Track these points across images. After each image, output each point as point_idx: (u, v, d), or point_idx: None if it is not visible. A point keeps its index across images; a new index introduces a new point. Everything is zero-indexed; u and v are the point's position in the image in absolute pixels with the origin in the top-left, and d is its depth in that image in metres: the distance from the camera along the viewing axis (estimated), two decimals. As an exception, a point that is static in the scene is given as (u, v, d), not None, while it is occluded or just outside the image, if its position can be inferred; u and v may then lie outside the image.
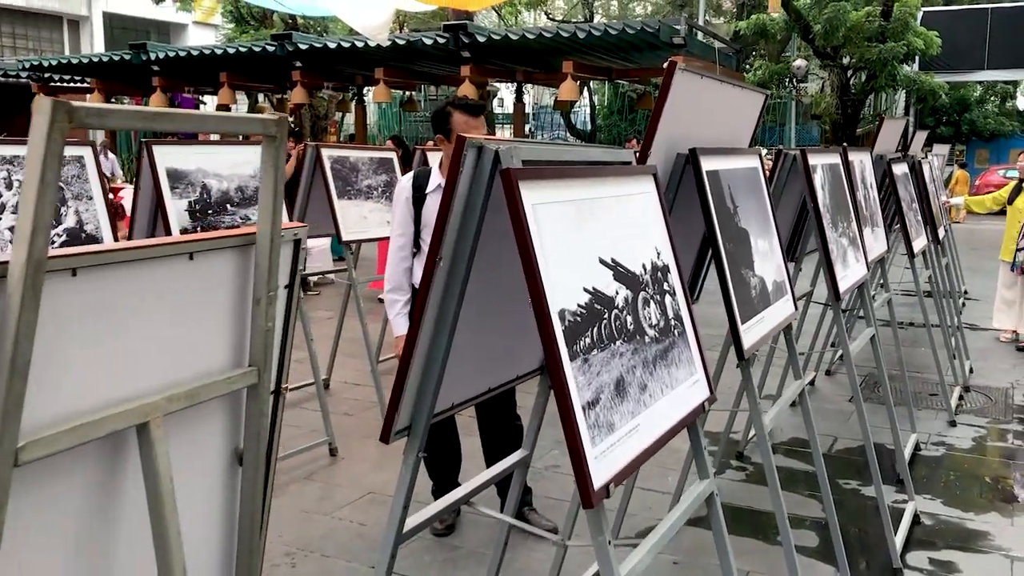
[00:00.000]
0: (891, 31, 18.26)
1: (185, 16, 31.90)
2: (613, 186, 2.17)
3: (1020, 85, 33.68)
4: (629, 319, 2.05)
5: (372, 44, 16.19)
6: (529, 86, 22.30)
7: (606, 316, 1.96)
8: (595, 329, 1.90)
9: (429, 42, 16.47)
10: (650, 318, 2.17)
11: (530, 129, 34.44)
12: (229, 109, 21.51)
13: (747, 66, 22.64)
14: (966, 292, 11.39)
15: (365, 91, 20.29)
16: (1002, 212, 8.69)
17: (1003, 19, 23.67)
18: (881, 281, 7.54)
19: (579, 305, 1.87)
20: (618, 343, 1.98)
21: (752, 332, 2.84)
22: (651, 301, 2.20)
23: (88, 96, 21.09)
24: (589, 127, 32.92)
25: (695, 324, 2.45)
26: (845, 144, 4.50)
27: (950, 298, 9.86)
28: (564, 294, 1.83)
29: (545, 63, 17.15)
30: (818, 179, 3.89)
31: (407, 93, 21.60)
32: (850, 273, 4.07)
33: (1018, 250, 8.18)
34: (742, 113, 3.38)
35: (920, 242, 6.08)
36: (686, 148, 2.72)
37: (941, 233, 6.99)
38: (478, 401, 2.58)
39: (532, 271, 1.75)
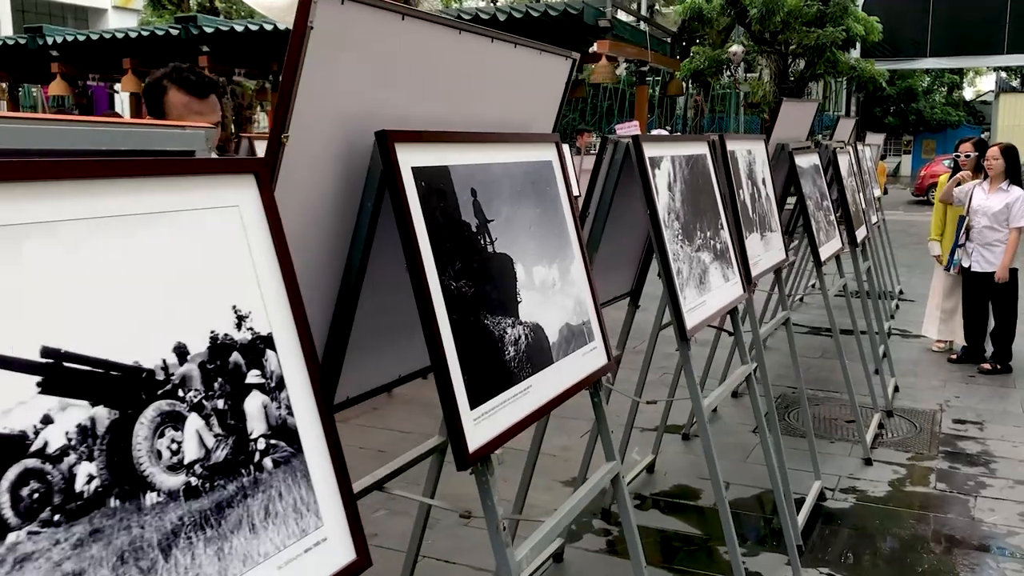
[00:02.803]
0: (830, 16, 17.49)
1: (104, 0, 30.39)
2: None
3: (967, 75, 33.38)
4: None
5: (281, 27, 15.11)
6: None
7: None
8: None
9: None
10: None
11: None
12: (140, 98, 20.24)
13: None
14: (901, 293, 10.57)
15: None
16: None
17: (945, 5, 23.07)
18: (800, 291, 6.73)
19: None
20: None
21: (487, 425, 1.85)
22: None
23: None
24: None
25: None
26: (720, 133, 3.49)
27: (881, 299, 9.06)
28: None
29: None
30: (663, 177, 2.91)
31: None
32: (710, 300, 3.10)
33: (957, 246, 7.31)
34: (519, 81, 2.37)
35: (830, 248, 5.15)
36: (373, 129, 1.70)
37: (861, 234, 6.08)
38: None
39: None
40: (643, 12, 24.18)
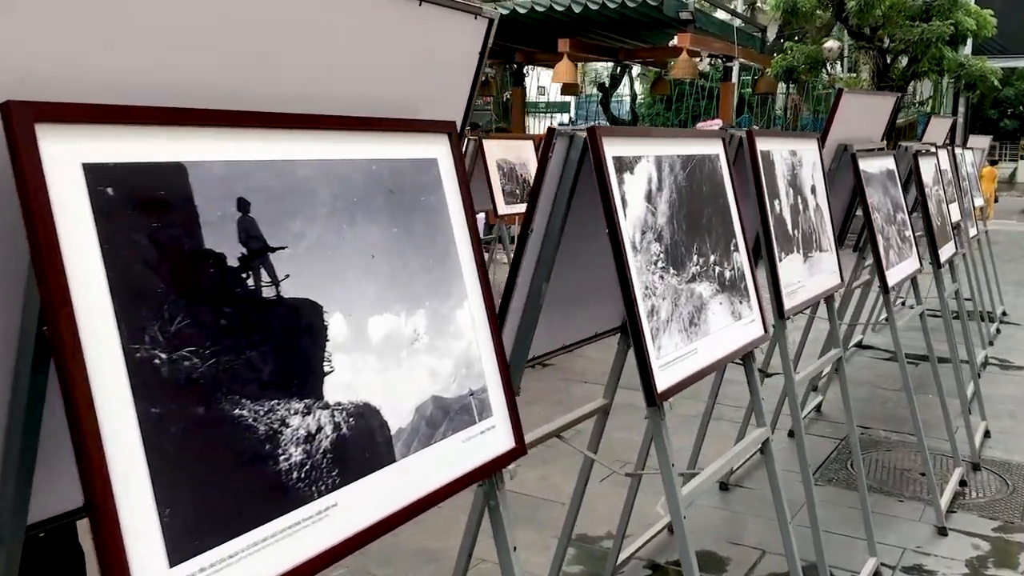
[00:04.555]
0: (936, 9, 16.12)
1: None
2: None
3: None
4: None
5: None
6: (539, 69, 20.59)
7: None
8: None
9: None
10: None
11: (571, 118, 32.69)
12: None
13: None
14: (1004, 315, 9.41)
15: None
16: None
17: (1070, -1, 21.26)
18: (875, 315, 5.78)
19: None
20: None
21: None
22: None
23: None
24: (630, 116, 30.86)
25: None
26: (751, 128, 2.70)
27: (982, 320, 8.00)
28: None
29: (545, 42, 15.40)
30: (637, 184, 2.17)
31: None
32: (704, 348, 2.34)
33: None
34: (395, 46, 1.67)
35: (902, 270, 4.27)
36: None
37: (947, 253, 5.14)
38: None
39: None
40: (741, 9, 22.95)
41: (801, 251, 3.32)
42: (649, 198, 2.22)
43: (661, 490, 2.33)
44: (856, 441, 3.70)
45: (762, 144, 3.07)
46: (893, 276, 4.08)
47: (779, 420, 5.34)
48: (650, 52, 16.44)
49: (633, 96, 31.15)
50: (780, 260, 3.09)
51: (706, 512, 4.37)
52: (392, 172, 1.53)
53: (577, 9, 13.68)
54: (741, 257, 2.68)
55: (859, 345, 7.88)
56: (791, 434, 5.48)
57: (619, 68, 26.78)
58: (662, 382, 2.08)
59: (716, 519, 4.33)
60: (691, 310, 2.31)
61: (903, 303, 8.86)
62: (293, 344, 1.28)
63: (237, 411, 1.17)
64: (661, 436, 2.10)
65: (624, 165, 2.12)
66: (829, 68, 18.48)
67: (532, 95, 30.24)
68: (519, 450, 1.69)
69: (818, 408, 5.99)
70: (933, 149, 5.48)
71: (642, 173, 2.19)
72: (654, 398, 2.05)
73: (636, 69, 27.71)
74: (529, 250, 2.16)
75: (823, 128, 4.01)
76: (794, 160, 3.38)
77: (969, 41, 18.47)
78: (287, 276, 1.29)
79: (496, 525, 1.66)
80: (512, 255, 2.17)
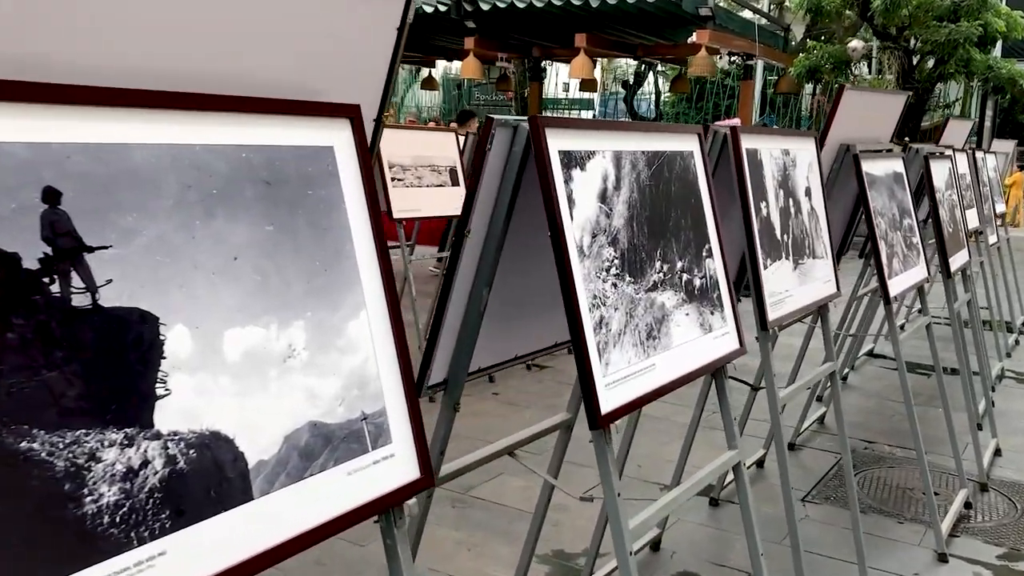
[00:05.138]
0: (965, 9, 15.72)
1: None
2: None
3: None
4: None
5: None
6: (557, 64, 20.34)
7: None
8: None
9: (430, 10, 14.71)
10: None
11: (595, 115, 32.34)
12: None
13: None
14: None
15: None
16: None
17: (1105, 1, 20.68)
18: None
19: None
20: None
21: None
22: None
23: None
24: (654, 114, 30.46)
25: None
26: (733, 124, 2.47)
27: (1001, 331, 7.69)
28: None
29: (563, 37, 15.16)
30: (589, 182, 1.95)
31: (424, 70, 20.03)
32: (663, 363, 2.11)
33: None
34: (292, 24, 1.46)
35: (906, 280, 4.02)
36: None
37: (958, 262, 4.86)
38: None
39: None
40: (767, 8, 22.52)
41: (791, 258, 3.08)
42: (604, 198, 2.00)
43: (645, 503, 2.12)
44: (849, 462, 3.46)
45: (748, 142, 2.84)
46: (896, 285, 3.83)
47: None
48: (670, 49, 16.15)
49: (657, 94, 30.78)
50: (765, 267, 2.86)
51: (692, 529, 4.14)
52: (269, 160, 1.32)
53: (594, 3, 13.43)
54: (715, 264, 2.45)
55: (870, 354, 7.61)
56: (791, 446, 5.24)
57: (643, 66, 26.42)
58: (608, 402, 1.87)
59: (702, 537, 4.10)
60: (650, 322, 2.09)
61: (920, 312, 8.55)
62: (113, 362, 1.07)
63: (24, 444, 0.97)
64: (606, 462, 1.88)
65: (574, 160, 1.90)
66: (854, 68, 18.10)
67: (554, 91, 29.93)
68: (424, 481, 1.48)
69: (821, 420, 5.74)
70: (947, 152, 5.21)
71: (595, 170, 1.98)
72: (597, 420, 1.83)
73: (661, 67, 27.33)
74: (467, 254, 1.95)
75: (823, 127, 3.76)
76: (786, 160, 3.15)
77: (999, 43, 18.04)
78: (109, 281, 1.08)
79: (393, 566, 1.45)
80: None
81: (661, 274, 2.18)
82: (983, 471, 4.81)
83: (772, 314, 2.84)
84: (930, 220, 4.68)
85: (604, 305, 1.93)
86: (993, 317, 7.69)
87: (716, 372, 2.42)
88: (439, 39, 16.32)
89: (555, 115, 25.33)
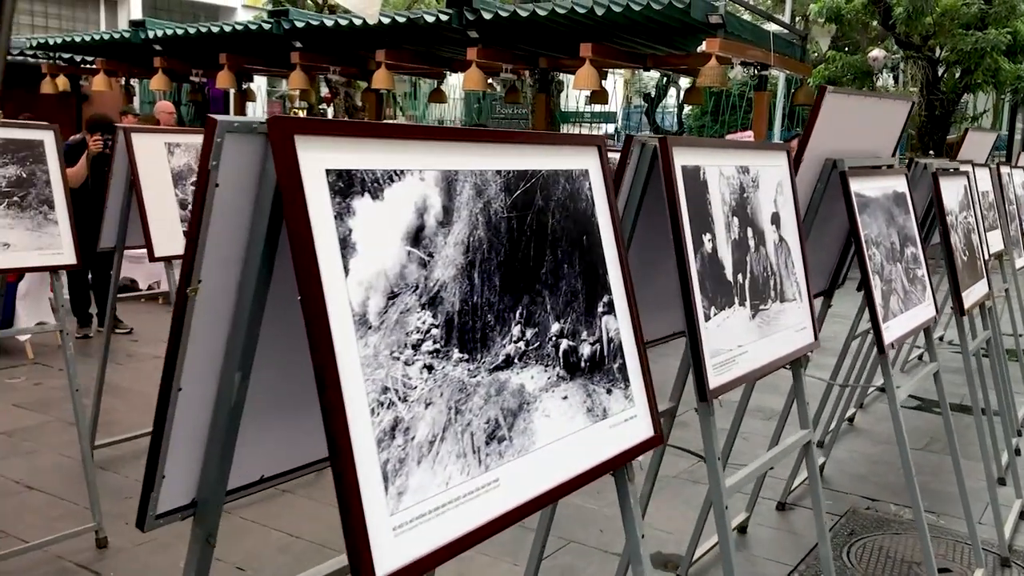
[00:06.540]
0: (992, 17, 14.94)
1: (234, -1, 30.49)
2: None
3: None
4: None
5: (371, 23, 14.06)
6: (563, 75, 19.72)
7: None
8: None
9: (431, 19, 14.21)
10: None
11: (616, 129, 31.72)
12: (228, 95, 19.75)
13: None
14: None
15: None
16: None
17: None
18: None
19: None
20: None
21: None
22: None
23: (93, 78, 19.48)
24: (676, 127, 29.70)
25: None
26: (666, 135, 1.79)
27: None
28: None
29: (568, 46, 14.56)
30: (390, 215, 1.32)
31: (433, 82, 19.54)
32: (515, 474, 1.47)
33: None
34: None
35: (906, 321, 3.34)
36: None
37: (973, 297, 4.14)
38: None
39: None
40: (792, 20, 21.69)
41: (747, 303, 2.42)
42: (416, 239, 1.36)
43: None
44: (828, 554, 2.78)
45: (684, 157, 2.20)
46: (892, 331, 3.15)
47: (764, 484, 4.41)
48: (681, 59, 15.46)
49: (680, 106, 30.09)
50: (708, 318, 2.21)
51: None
52: None
53: (600, 12, 12.80)
54: (619, 321, 1.80)
55: (882, 389, 6.87)
56: (780, 506, 4.56)
57: (665, 78, 25.73)
58: (396, 556, 1.23)
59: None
60: (495, 416, 1.45)
61: (921, 356, 7.80)
62: None
63: None
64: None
65: (353, 185, 1.27)
66: (876, 79, 17.30)
67: (574, 104, 29.28)
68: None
69: (820, 471, 5.04)
70: (963, 167, 4.53)
71: (399, 198, 1.34)
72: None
73: (684, 80, 26.62)
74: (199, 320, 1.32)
75: (802, 137, 3.11)
76: (744, 179, 2.49)
77: (1029, 52, 17.21)
78: None
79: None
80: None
81: (522, 343, 1.54)
82: (1003, 541, 4.10)
83: (715, 380, 2.18)
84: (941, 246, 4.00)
85: (403, 401, 1.29)
86: (1018, 347, 6.94)
87: (618, 472, 1.77)
88: (443, 50, 15.81)
89: (575, 127, 24.63)
